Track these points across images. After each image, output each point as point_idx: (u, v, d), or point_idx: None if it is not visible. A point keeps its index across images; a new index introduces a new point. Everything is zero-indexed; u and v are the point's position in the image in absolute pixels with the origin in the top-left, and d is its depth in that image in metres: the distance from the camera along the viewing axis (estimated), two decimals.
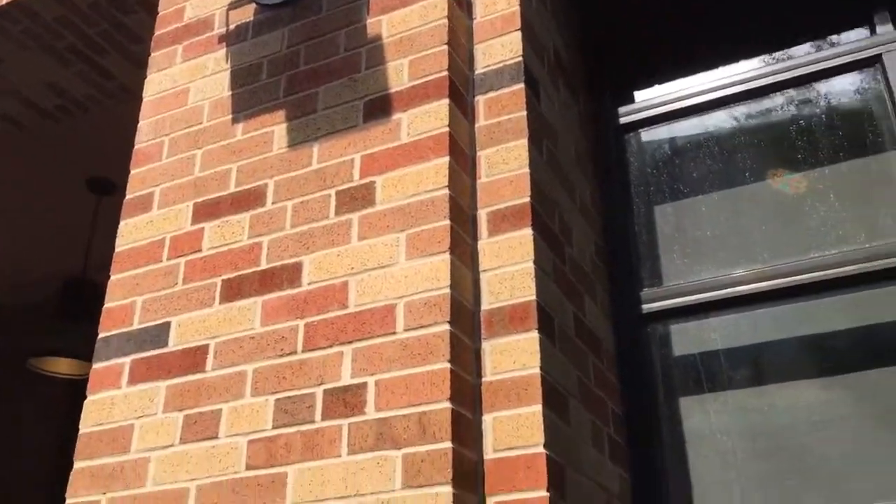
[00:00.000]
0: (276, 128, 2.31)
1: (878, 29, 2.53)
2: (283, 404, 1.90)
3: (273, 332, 2.00)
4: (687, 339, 2.47)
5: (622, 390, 2.37)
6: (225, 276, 2.15)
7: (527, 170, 2.04)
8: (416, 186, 2.01)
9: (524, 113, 2.12)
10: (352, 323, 1.92)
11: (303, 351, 1.94)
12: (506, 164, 2.08)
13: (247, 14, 2.54)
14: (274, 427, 1.88)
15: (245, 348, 2.01)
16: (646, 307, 2.47)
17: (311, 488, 1.77)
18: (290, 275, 2.06)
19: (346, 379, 1.86)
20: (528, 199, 2.00)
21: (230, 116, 2.38)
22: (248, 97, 2.39)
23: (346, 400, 1.83)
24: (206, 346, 2.07)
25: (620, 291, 2.51)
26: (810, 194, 2.47)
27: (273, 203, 2.19)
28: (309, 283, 2.02)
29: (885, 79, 2.42)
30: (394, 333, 1.86)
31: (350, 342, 1.90)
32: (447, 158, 2.01)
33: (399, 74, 2.19)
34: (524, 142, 2.08)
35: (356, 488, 1.73)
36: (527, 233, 1.97)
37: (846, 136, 2.50)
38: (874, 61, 2.48)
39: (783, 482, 2.18)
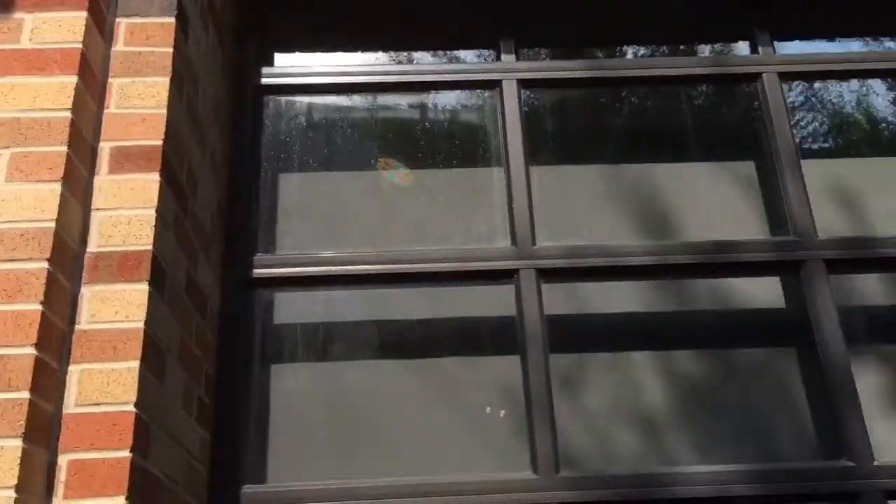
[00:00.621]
0: None
1: (504, 58, 2.84)
2: None
3: None
4: (290, 308, 2.52)
5: (220, 352, 2.34)
6: None
7: (164, 111, 1.91)
8: (32, 101, 1.76)
9: (171, 49, 1.98)
10: None
11: None
12: (141, 100, 1.92)
13: None
14: None
15: None
16: (256, 272, 2.48)
17: None
18: None
19: None
20: (160, 143, 1.87)
21: None
22: None
23: None
24: None
25: (234, 253, 2.48)
26: (420, 191, 2.68)
27: None
28: None
29: (502, 102, 2.73)
30: None
31: None
32: (75, 78, 1.79)
33: None
34: (166, 80, 1.95)
35: None
36: (153, 177, 1.84)
37: (461, 144, 2.76)
38: (495, 84, 2.78)
39: (356, 450, 2.34)
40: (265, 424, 2.36)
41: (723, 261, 2.52)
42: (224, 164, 2.53)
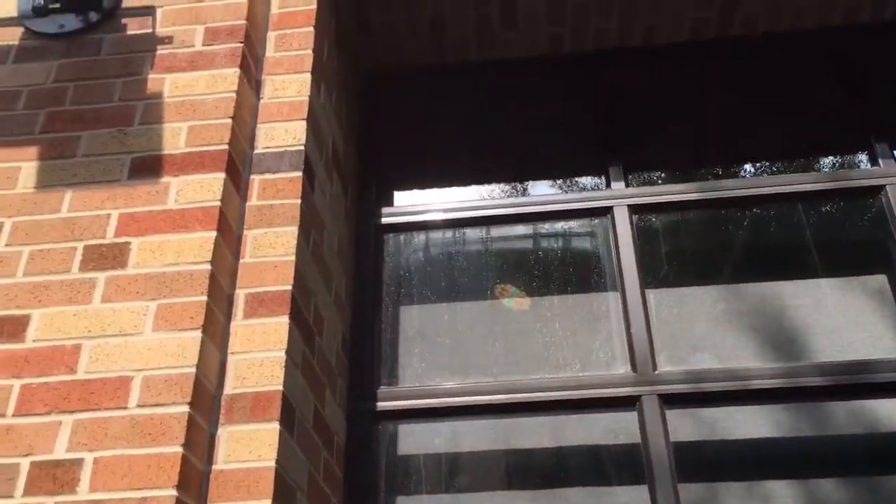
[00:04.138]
0: (24, 164, 2.12)
1: (613, 185, 2.89)
2: None
3: None
4: (414, 440, 2.56)
5: (346, 485, 2.39)
6: None
7: (293, 258, 2.05)
8: (177, 256, 1.94)
9: (298, 201, 2.14)
10: (78, 391, 1.77)
11: (13, 415, 1.75)
12: (272, 248, 2.07)
13: (13, 36, 2.34)
14: None
15: None
16: (380, 405, 2.54)
17: None
18: (13, 328, 1.87)
19: (61, 453, 1.70)
20: (289, 288, 2.00)
21: None
22: None
23: (56, 476, 1.67)
24: None
25: (359, 387, 2.56)
26: (537, 319, 2.71)
27: (6, 245, 1.99)
28: (34, 341, 1.84)
29: (614, 228, 2.76)
30: (125, 408, 1.74)
31: (72, 412, 1.75)
32: (214, 233, 1.96)
33: (176, 138, 2.13)
34: (294, 229, 2.10)
35: None
36: (283, 321, 1.96)
37: (575, 271, 2.80)
38: (606, 211, 2.83)
39: None
40: None
41: (858, 381, 2.40)
42: (347, 300, 2.65)
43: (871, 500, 2.30)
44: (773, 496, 2.34)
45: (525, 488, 2.46)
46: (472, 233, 2.94)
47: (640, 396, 2.43)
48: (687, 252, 2.82)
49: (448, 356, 2.68)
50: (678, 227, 2.86)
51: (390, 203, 3.00)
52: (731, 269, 2.77)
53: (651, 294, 2.67)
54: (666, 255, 2.80)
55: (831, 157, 2.96)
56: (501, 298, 2.79)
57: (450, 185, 3.06)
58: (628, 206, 2.80)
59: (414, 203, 3.00)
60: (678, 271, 2.78)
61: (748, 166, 2.99)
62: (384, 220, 2.92)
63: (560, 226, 2.91)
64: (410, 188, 3.07)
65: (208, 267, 1.92)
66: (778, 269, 2.72)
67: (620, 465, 2.44)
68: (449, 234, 2.95)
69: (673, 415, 2.43)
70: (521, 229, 2.93)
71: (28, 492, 1.66)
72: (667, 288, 2.72)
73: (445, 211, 2.93)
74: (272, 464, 1.78)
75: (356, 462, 2.44)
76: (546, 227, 2.92)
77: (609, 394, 2.46)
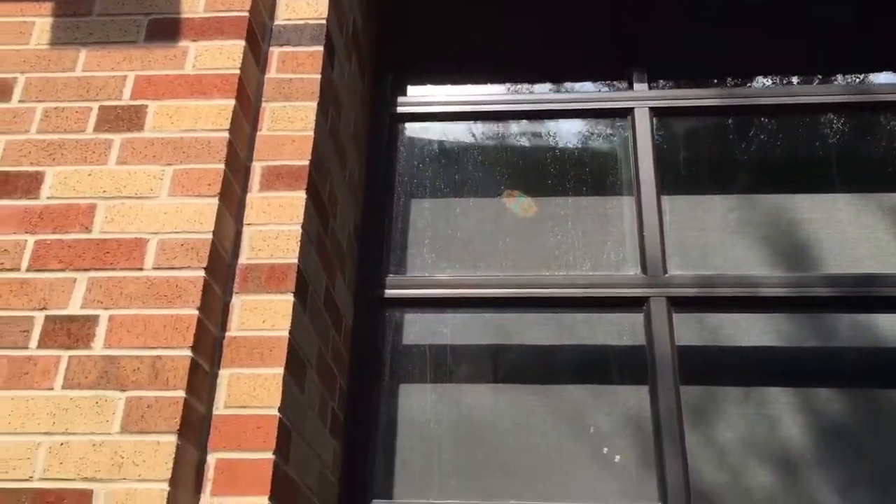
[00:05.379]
0: (38, 20, 2.05)
1: (636, 86, 2.83)
2: None
3: None
4: (419, 329, 2.58)
5: (352, 368, 2.41)
6: None
7: (311, 133, 2.01)
8: (194, 122, 1.90)
9: (318, 76, 2.08)
10: (93, 250, 1.76)
11: (27, 270, 1.74)
12: (290, 123, 2.03)
13: None
14: None
15: None
16: (388, 292, 2.54)
17: (10, 419, 1.60)
18: (28, 184, 1.84)
19: (76, 308, 1.70)
20: (307, 163, 1.97)
21: None
22: None
23: (70, 330, 1.67)
24: None
25: (368, 273, 2.56)
26: (549, 218, 2.69)
27: (20, 101, 1.94)
28: (49, 198, 1.82)
29: (633, 130, 2.72)
30: (140, 269, 1.73)
31: (87, 270, 1.74)
32: (233, 101, 1.91)
33: (195, 1, 2.05)
34: (313, 105, 2.05)
35: (66, 426, 1.58)
36: (300, 195, 1.94)
37: (591, 172, 2.76)
38: (627, 113, 2.78)
39: (479, 473, 2.35)
40: (393, 441, 2.41)
41: (865, 294, 2.40)
42: (360, 188, 2.62)
43: (870, 412, 2.34)
44: (770, 402, 2.38)
45: (527, 382, 2.49)
46: (488, 128, 2.89)
47: (648, 298, 2.44)
48: (704, 160, 2.79)
49: (458, 249, 2.67)
50: (697, 134, 2.82)
51: (406, 93, 2.94)
52: (747, 179, 2.74)
53: (666, 200, 2.64)
54: (683, 162, 2.77)
55: (857, 72, 2.90)
56: (515, 196, 2.76)
57: (467, 80, 2.99)
58: (649, 108, 2.75)
59: (430, 95, 2.94)
60: (694, 178, 2.75)
61: (774, 75, 2.93)
62: (400, 110, 2.86)
63: (579, 126, 2.86)
64: (427, 80, 3.00)
65: (226, 135, 1.88)
66: (794, 182, 2.69)
67: (624, 365, 2.47)
68: (464, 128, 2.90)
69: (680, 318, 2.44)
70: (538, 127, 2.88)
71: (42, 344, 1.66)
72: (682, 195, 2.70)
73: (462, 104, 2.88)
74: (285, 334, 1.78)
75: (363, 346, 2.46)
76: (565, 126, 2.87)
77: (617, 293, 2.47)
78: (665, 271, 2.48)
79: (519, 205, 2.76)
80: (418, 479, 2.36)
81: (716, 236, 2.62)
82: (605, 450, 2.35)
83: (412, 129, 2.90)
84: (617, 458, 2.33)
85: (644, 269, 2.50)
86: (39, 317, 1.69)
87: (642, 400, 2.38)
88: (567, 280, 2.51)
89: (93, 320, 1.68)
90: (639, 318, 2.47)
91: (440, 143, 2.89)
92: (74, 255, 1.75)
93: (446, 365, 2.52)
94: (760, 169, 2.75)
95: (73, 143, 1.88)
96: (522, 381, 2.49)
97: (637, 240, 2.57)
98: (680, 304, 2.44)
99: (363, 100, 2.70)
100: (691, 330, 2.47)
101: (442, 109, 2.86)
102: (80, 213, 1.80)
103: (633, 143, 2.71)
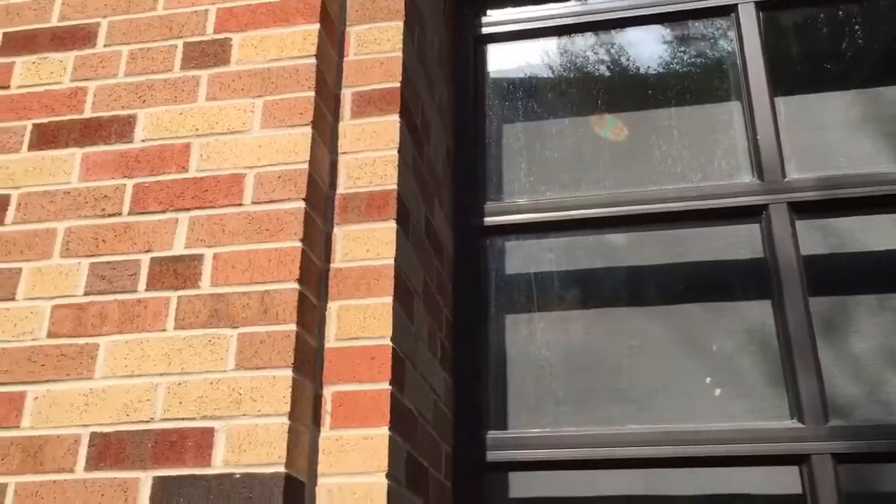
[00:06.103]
0: None
1: None
2: (100, 269, 1.68)
3: (93, 189, 1.76)
4: (523, 255, 2.48)
5: (455, 299, 2.35)
6: (37, 121, 1.86)
7: (399, 54, 1.91)
8: (280, 51, 1.83)
9: None
10: (191, 189, 1.72)
11: (129, 214, 1.72)
12: (377, 45, 1.94)
13: None
14: (86, 294, 1.66)
15: (57, 203, 1.76)
16: (487, 220, 2.45)
17: (126, 362, 1.59)
18: (121, 128, 1.81)
19: (180, 249, 1.67)
20: (398, 85, 1.88)
21: None
22: None
23: (177, 271, 1.65)
24: (7, 197, 1.79)
25: (465, 201, 2.47)
26: (653, 131, 2.54)
27: (105, 45, 1.91)
28: (143, 140, 1.79)
29: (738, 28, 2.52)
30: (240, 205, 1.69)
31: (187, 209, 1.70)
32: (317, 26, 1.83)
33: None
34: (399, 24, 1.95)
35: (182, 366, 1.57)
36: (393, 119, 1.85)
37: (694, 78, 2.58)
38: (730, 11, 2.57)
39: (594, 400, 2.27)
40: (503, 371, 2.34)
41: None
42: (449, 113, 2.52)
43: None
44: None
45: (639, 305, 2.37)
46: (579, 40, 2.73)
47: (767, 205, 2.27)
48: (818, 55, 2.57)
49: (557, 171, 2.55)
50: (809, 27, 2.59)
51: (487, 14, 2.79)
52: (867, 73, 2.51)
53: (779, 101, 2.44)
54: (795, 59, 2.56)
55: None
56: (599, 127, 2.61)
57: None
58: (755, 2, 2.53)
59: (513, 13, 2.78)
60: (808, 76, 2.54)
61: None
62: (484, 31, 2.73)
63: (678, 30, 2.67)
64: (507, 3, 2.84)
65: (313, 61, 1.80)
66: None
67: (744, 279, 2.32)
68: (553, 44, 2.75)
69: (803, 225, 2.27)
70: (633, 35, 2.70)
71: (151, 286, 1.64)
72: (796, 95, 2.49)
73: (547, 19, 2.71)
74: (391, 262, 1.72)
75: (465, 276, 2.38)
76: (661, 32, 2.69)
77: (733, 203, 2.31)
78: (784, 176, 2.31)
79: (610, 129, 2.61)
80: (531, 409, 2.30)
81: (837, 135, 2.42)
82: (729, 369, 2.22)
83: (497, 51, 2.77)
84: (742, 376, 2.20)
85: (760, 175, 2.33)
86: (145, 259, 1.67)
87: (765, 315, 2.24)
88: (676, 193, 2.36)
89: (198, 259, 1.65)
90: (755, 228, 2.31)
91: (528, 62, 2.74)
92: (174, 195, 1.72)
93: (553, 291, 2.42)
94: (882, 61, 2.51)
95: (161, 84, 1.84)
96: (634, 303, 2.38)
97: (751, 145, 2.39)
98: (802, 209, 2.27)
99: (446, 22, 2.58)
100: (816, 237, 2.29)
101: (527, 27, 2.71)
102: (176, 153, 1.76)
103: (738, 43, 2.51)
